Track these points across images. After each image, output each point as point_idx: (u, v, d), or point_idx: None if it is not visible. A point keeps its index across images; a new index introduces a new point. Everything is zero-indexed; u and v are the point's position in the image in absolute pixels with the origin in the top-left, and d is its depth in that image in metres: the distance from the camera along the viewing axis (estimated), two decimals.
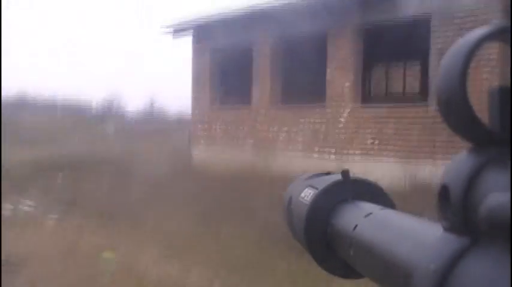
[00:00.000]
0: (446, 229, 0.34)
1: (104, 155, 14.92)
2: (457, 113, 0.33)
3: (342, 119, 11.45)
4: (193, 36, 14.81)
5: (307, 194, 0.63)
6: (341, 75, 11.46)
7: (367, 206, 0.56)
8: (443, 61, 0.34)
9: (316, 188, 0.63)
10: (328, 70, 11.70)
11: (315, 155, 11.76)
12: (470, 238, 0.32)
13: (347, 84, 11.38)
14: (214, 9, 13.55)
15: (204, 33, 14.30)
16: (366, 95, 12.48)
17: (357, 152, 11.02)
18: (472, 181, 0.32)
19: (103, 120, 29.82)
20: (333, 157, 11.39)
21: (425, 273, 0.33)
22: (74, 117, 29.83)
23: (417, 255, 0.37)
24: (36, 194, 10.38)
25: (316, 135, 11.90)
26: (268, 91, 12.98)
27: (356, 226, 0.52)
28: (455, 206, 0.33)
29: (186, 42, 15.15)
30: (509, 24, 0.32)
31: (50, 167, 13.36)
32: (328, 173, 0.67)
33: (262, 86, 13.09)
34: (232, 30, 12.87)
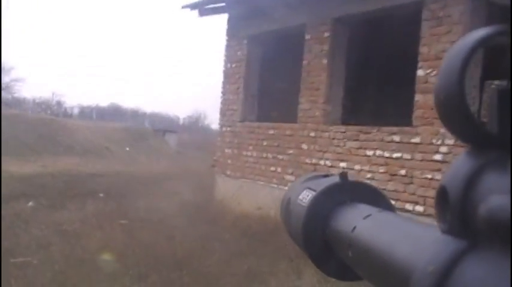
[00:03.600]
0: (444, 231, 0.34)
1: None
2: (455, 114, 0.33)
3: (438, 156, 6.59)
4: (229, 18, 10.43)
5: (306, 196, 0.63)
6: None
7: (366, 208, 0.55)
8: (443, 62, 0.34)
9: (315, 190, 0.63)
10: (419, 71, 6.91)
11: None
12: (469, 240, 0.32)
13: None
14: None
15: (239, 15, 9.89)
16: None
17: None
18: (470, 183, 0.32)
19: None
20: (417, 217, 6.48)
21: (423, 275, 0.33)
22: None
23: (415, 257, 0.36)
24: None
25: (392, 176, 7.08)
26: (322, 102, 8.28)
27: (355, 227, 0.51)
28: (454, 208, 0.33)
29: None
30: (508, 26, 0.31)
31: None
32: (326, 175, 0.67)
33: (314, 93, 8.42)
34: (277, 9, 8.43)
